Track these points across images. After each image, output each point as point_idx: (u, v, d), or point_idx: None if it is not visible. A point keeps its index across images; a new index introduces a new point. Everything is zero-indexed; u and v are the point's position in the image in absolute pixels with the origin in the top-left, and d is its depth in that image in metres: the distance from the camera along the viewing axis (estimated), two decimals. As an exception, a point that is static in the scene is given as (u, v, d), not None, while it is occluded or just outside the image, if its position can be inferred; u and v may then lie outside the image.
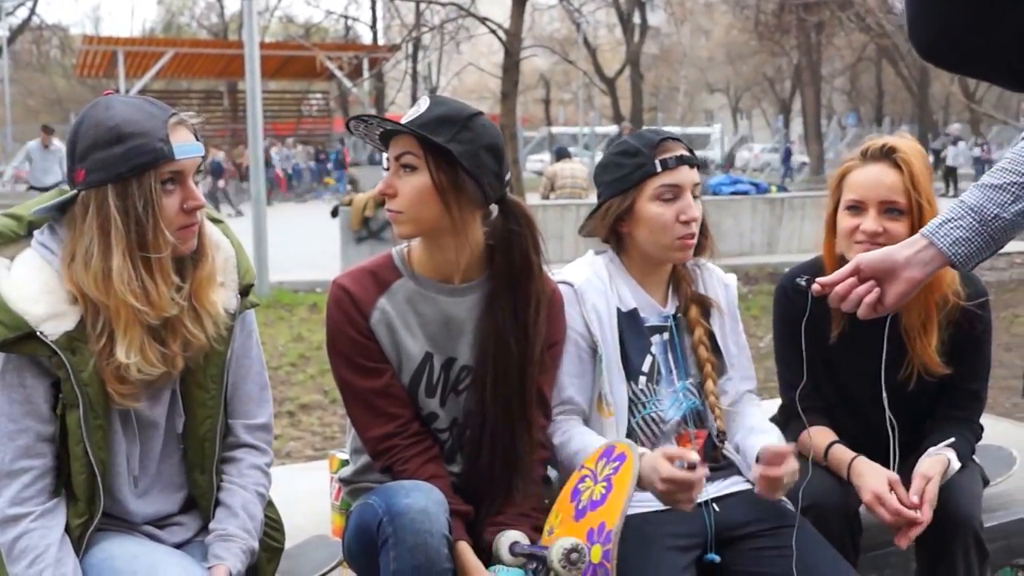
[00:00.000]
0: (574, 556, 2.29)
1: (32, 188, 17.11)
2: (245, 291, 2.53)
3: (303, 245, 16.32)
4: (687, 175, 2.79)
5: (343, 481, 2.90)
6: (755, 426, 2.88)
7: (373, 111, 41.79)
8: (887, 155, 2.85)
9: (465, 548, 2.44)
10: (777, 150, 41.01)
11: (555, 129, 47.32)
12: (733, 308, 3.02)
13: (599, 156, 43.12)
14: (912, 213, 2.84)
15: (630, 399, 2.82)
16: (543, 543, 2.46)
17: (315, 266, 14.08)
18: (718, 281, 3.01)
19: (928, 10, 1.49)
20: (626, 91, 38.83)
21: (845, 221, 2.92)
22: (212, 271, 2.42)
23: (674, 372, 2.88)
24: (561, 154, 18.02)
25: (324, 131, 42.34)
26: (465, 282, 2.63)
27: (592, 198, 16.48)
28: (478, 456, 2.64)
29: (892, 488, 2.73)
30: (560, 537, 2.37)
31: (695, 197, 2.80)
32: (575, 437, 2.75)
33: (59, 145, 16.33)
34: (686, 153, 2.83)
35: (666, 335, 2.89)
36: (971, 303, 2.94)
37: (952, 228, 2.12)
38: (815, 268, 3.05)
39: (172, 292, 2.30)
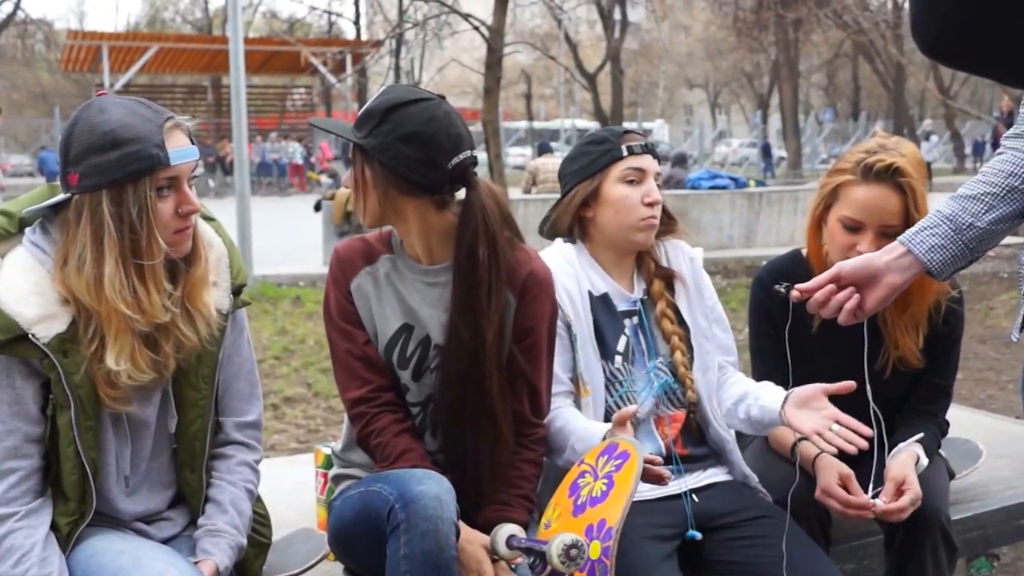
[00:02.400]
0: (574, 552, 2.28)
1: None
2: (237, 290, 2.53)
3: (286, 239, 16.30)
4: (650, 162, 2.88)
5: (335, 455, 2.93)
6: (748, 391, 2.94)
7: (356, 106, 41.70)
8: (892, 176, 2.80)
9: (462, 525, 2.45)
10: (755, 145, 41.21)
11: (536, 124, 47.51)
12: (699, 280, 3.03)
13: (581, 151, 43.34)
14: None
15: (607, 378, 2.85)
16: (540, 536, 2.49)
17: (298, 260, 14.16)
18: (683, 254, 3.04)
19: (931, 7, 1.48)
20: (607, 86, 38.80)
21: (842, 237, 2.90)
22: (205, 272, 2.42)
23: (645, 354, 2.90)
24: (543, 149, 18.14)
25: (308, 126, 42.34)
26: (437, 264, 2.67)
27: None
28: (449, 433, 2.67)
29: (844, 483, 2.75)
30: (560, 532, 2.36)
31: (657, 185, 2.88)
32: (571, 422, 2.76)
33: None
34: (648, 143, 2.93)
35: (635, 319, 2.93)
36: (951, 300, 3.02)
37: (928, 236, 2.20)
38: (794, 261, 3.14)
39: (164, 299, 2.29)
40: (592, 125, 45.22)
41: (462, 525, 2.44)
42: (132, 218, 2.20)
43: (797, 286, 2.28)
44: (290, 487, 3.52)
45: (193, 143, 2.34)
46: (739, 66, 43.21)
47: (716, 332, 3.02)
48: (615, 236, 2.89)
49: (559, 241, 3.00)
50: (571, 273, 2.87)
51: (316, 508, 3.28)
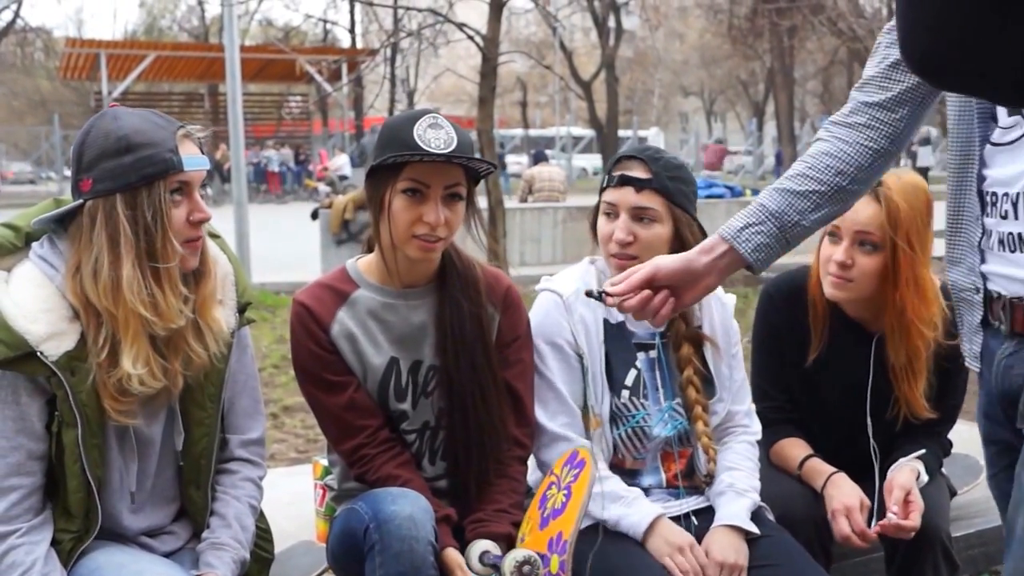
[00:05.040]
0: (526, 569, 2.31)
1: None
2: (242, 309, 2.54)
3: (284, 246, 16.22)
4: (623, 196, 2.73)
5: (329, 487, 2.95)
6: (731, 474, 2.82)
7: (352, 114, 41.78)
8: (873, 187, 2.70)
9: (451, 555, 2.45)
10: (751, 153, 41.20)
11: (532, 132, 47.52)
12: (728, 327, 2.94)
13: (576, 159, 42.54)
14: (886, 249, 2.83)
15: (615, 412, 2.79)
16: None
17: (296, 268, 14.04)
18: (715, 299, 2.93)
19: (921, 24, 1.33)
20: (602, 94, 38.81)
21: (825, 249, 2.93)
22: (214, 288, 2.44)
23: (660, 391, 2.82)
24: (539, 158, 18.22)
25: (304, 133, 42.48)
26: (412, 286, 2.67)
27: (570, 201, 16.62)
28: (455, 454, 2.68)
29: (848, 515, 2.77)
30: (515, 549, 2.42)
31: (640, 219, 2.72)
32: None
33: None
34: (634, 175, 2.73)
35: (653, 353, 2.84)
36: (952, 340, 2.75)
37: (753, 233, 2.10)
38: (801, 277, 3.08)
39: (180, 303, 2.30)
40: (587, 133, 45.31)
41: (452, 561, 2.44)
42: (147, 221, 2.22)
43: (610, 290, 2.13)
44: (289, 498, 3.52)
45: (203, 153, 2.38)
46: (734, 74, 43.25)
47: (735, 380, 2.94)
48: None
49: (584, 261, 2.94)
50: (587, 300, 2.73)
51: (315, 520, 3.29)
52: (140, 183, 2.21)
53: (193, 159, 2.30)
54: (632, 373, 2.82)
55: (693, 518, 2.76)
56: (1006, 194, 1.93)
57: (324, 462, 3.14)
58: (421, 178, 2.49)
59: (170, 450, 2.49)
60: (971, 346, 2.10)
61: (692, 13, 42.61)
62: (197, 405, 2.47)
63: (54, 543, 2.31)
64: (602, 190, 2.82)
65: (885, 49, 2.10)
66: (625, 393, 2.81)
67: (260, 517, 2.70)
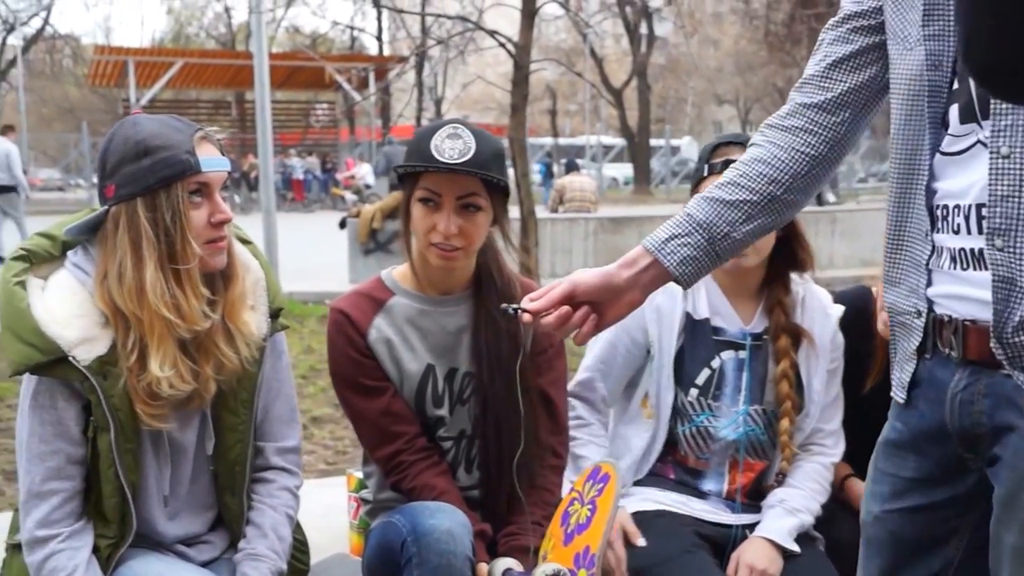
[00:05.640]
0: None
1: None
2: (275, 314, 2.56)
3: (311, 255, 16.19)
4: None
5: (364, 500, 2.96)
6: (789, 491, 2.81)
7: (379, 122, 41.76)
8: None
9: (482, 570, 2.46)
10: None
11: (562, 140, 47.29)
12: (828, 339, 2.88)
13: (606, 168, 42.58)
14: None
15: (679, 408, 2.80)
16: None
17: (324, 277, 13.99)
18: (820, 308, 2.90)
19: (983, 31, 1.30)
20: (633, 102, 38.71)
21: None
22: (243, 291, 2.46)
23: (741, 394, 2.81)
24: (570, 167, 18.00)
25: (331, 141, 42.34)
26: (449, 293, 2.72)
27: (602, 211, 16.45)
28: (487, 462, 2.70)
29: None
30: (543, 563, 2.42)
31: None
32: (582, 447, 2.86)
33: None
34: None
35: (742, 353, 2.82)
36: None
37: (679, 245, 1.95)
38: (863, 298, 2.99)
39: (202, 305, 2.32)
40: (618, 142, 45.08)
41: (482, 559, 2.47)
42: (167, 223, 2.25)
43: (527, 306, 1.98)
44: (320, 510, 3.56)
45: (223, 155, 2.40)
46: (770, 81, 42.81)
47: (826, 397, 2.89)
48: None
49: None
50: (672, 291, 2.75)
51: (349, 533, 3.34)
52: (158, 185, 2.25)
53: (211, 160, 2.32)
54: (705, 372, 2.81)
55: (747, 532, 2.76)
56: (958, 207, 1.74)
57: (358, 474, 3.17)
58: (434, 187, 2.55)
59: (205, 458, 2.51)
60: (900, 374, 1.91)
61: (727, 19, 42.49)
62: (230, 411, 2.49)
63: (93, 550, 2.33)
64: (701, 180, 2.77)
65: (828, 46, 1.97)
66: (694, 392, 2.80)
67: (296, 528, 2.72)
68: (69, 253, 2.37)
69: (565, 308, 1.97)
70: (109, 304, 2.27)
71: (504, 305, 2.10)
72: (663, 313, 2.80)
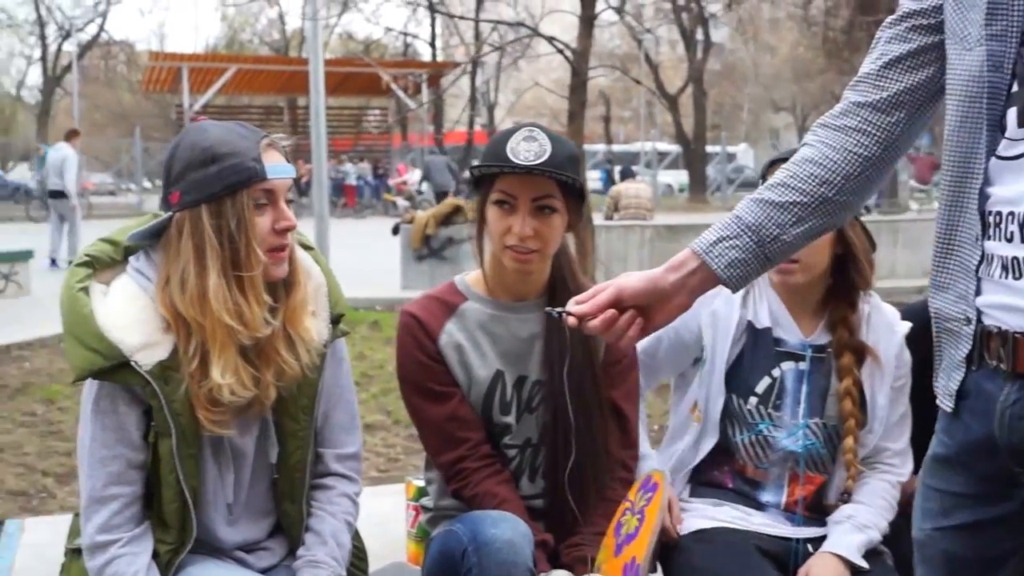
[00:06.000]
0: None
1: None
2: (336, 320, 2.54)
3: (363, 261, 16.16)
4: None
5: (424, 509, 2.95)
6: (857, 507, 2.75)
7: (431, 128, 41.83)
8: None
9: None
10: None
11: (615, 147, 47.14)
12: (893, 356, 2.82)
13: (662, 175, 42.49)
14: None
15: (737, 414, 2.78)
16: None
17: (375, 283, 13.90)
18: (886, 324, 2.84)
19: None
20: (688, 108, 38.51)
21: None
22: (305, 298, 2.44)
23: (800, 406, 2.76)
24: (626, 174, 17.82)
25: (383, 147, 42.39)
26: (522, 299, 2.71)
27: (657, 219, 16.29)
28: (555, 473, 2.68)
29: None
30: (592, 575, 2.44)
31: None
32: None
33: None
34: None
35: (803, 364, 2.78)
36: None
37: (727, 248, 1.90)
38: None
39: (264, 312, 2.31)
40: (673, 148, 44.84)
41: (542, 570, 2.45)
42: (231, 230, 2.24)
43: (573, 310, 1.95)
44: (373, 517, 3.46)
45: (289, 161, 2.39)
46: (828, 88, 42.31)
47: (892, 416, 2.84)
48: None
49: None
50: (731, 297, 2.74)
51: (406, 542, 3.31)
52: (224, 192, 2.24)
53: (277, 167, 2.31)
54: (765, 381, 2.77)
55: (809, 546, 2.71)
56: (1012, 214, 1.71)
57: (417, 482, 3.19)
58: (509, 190, 2.54)
59: (264, 463, 2.50)
60: (948, 382, 1.87)
61: (784, 26, 42.08)
62: (290, 417, 2.48)
63: (153, 555, 2.33)
64: None
65: (884, 45, 1.93)
66: (753, 400, 2.77)
67: (355, 535, 2.70)
68: (131, 258, 2.36)
69: (611, 312, 1.94)
70: (171, 310, 2.27)
71: (549, 308, 2.11)
72: (719, 318, 2.78)
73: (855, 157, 1.90)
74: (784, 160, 2.52)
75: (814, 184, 1.90)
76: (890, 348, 2.81)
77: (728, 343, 2.76)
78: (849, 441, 2.74)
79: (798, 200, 1.90)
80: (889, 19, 1.93)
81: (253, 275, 2.28)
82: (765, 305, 2.80)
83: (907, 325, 2.86)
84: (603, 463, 2.67)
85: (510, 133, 2.55)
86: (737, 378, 2.77)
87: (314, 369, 2.46)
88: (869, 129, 1.90)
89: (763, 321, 2.79)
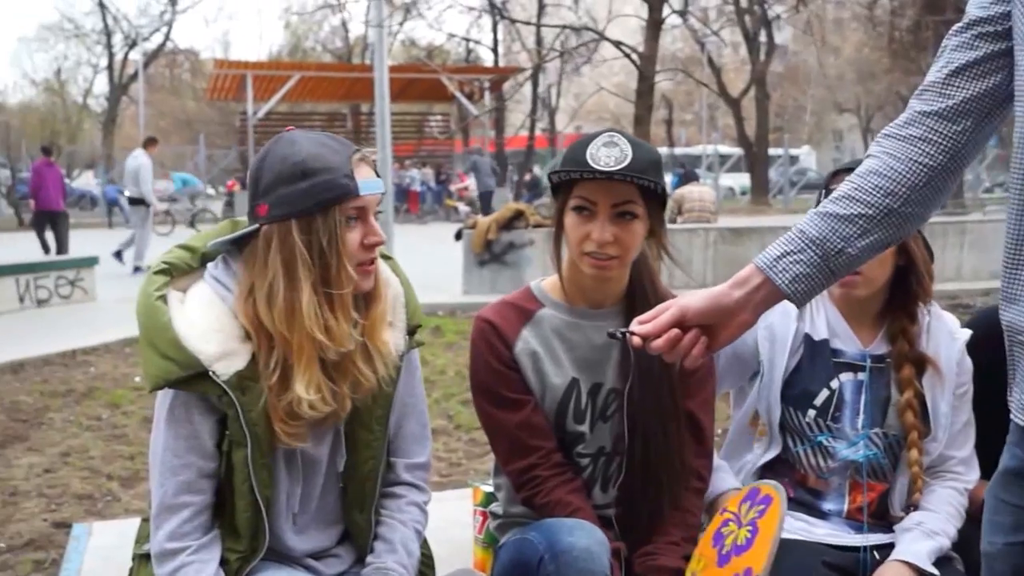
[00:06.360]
0: None
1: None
2: (412, 331, 2.53)
3: (425, 267, 16.09)
4: None
5: (493, 515, 2.94)
6: (925, 514, 2.72)
7: (493, 133, 41.85)
8: None
9: None
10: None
11: (677, 150, 46.91)
12: (954, 364, 2.79)
13: (723, 178, 42.24)
14: None
15: (796, 428, 2.77)
16: None
17: (437, 289, 13.90)
18: (946, 332, 2.81)
19: None
20: (751, 111, 38.24)
21: None
22: (385, 311, 2.43)
23: (860, 417, 2.74)
24: (689, 177, 17.73)
25: (445, 152, 42.52)
26: (601, 306, 2.67)
27: (721, 222, 16.19)
28: (630, 482, 2.65)
29: None
30: None
31: None
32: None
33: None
34: None
35: (861, 375, 2.76)
36: None
37: (792, 262, 1.89)
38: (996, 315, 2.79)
39: (350, 328, 2.30)
40: (735, 151, 44.56)
41: None
42: (322, 246, 2.22)
43: (636, 330, 1.95)
44: (436, 522, 3.39)
45: (378, 175, 2.36)
46: (894, 89, 41.81)
47: (956, 423, 2.80)
48: None
49: None
50: (785, 310, 2.71)
51: (473, 547, 3.32)
52: (315, 209, 2.21)
53: (368, 183, 2.28)
54: (824, 393, 2.75)
55: (875, 554, 2.68)
56: None
57: (485, 488, 3.20)
58: (588, 195, 2.50)
59: (335, 473, 2.49)
60: (1021, 396, 1.85)
61: (848, 26, 41.65)
62: (364, 428, 2.46)
63: (222, 562, 2.32)
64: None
65: (950, 53, 1.89)
66: (811, 412, 2.75)
67: (423, 543, 2.67)
68: (209, 265, 2.36)
69: (675, 331, 1.94)
70: (253, 321, 2.25)
71: (611, 330, 2.09)
72: (776, 332, 2.77)
73: (920, 167, 1.86)
74: (848, 170, 2.52)
75: (879, 196, 1.86)
76: (951, 356, 2.78)
77: (785, 356, 2.76)
78: (914, 453, 2.72)
79: (863, 212, 1.86)
80: (955, 27, 1.91)
81: (344, 293, 2.26)
82: (823, 316, 2.79)
83: (967, 332, 2.84)
84: (678, 473, 2.63)
85: (590, 139, 2.51)
86: (795, 390, 2.76)
87: (390, 382, 2.44)
88: (935, 138, 1.86)
89: (821, 333, 2.77)
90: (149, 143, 18.47)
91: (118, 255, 17.61)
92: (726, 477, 2.82)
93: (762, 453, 2.81)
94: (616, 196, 2.47)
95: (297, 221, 2.21)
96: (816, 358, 2.76)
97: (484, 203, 28.52)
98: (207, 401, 2.26)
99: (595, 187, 2.48)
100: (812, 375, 2.75)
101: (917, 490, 2.72)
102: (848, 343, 2.77)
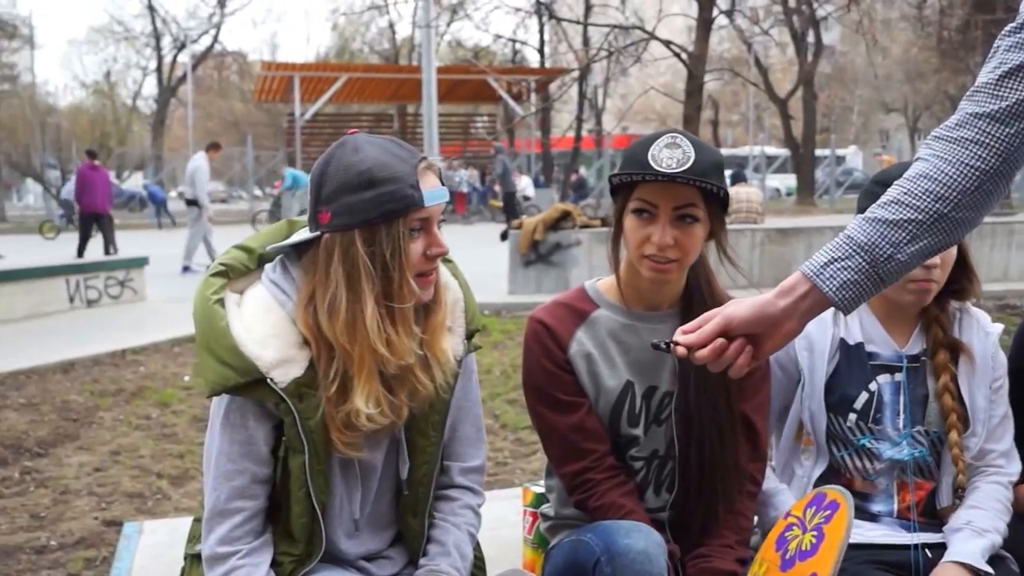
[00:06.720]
0: None
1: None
2: (470, 335, 2.49)
3: (471, 267, 16.03)
4: None
5: (544, 516, 2.92)
6: (973, 512, 2.68)
7: (539, 134, 41.82)
8: None
9: None
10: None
11: (724, 151, 46.71)
12: (989, 358, 2.77)
13: (770, 179, 42.03)
14: None
15: (838, 434, 2.76)
16: None
17: (483, 288, 13.83)
18: (979, 328, 2.79)
19: None
20: (798, 111, 37.99)
21: None
22: (444, 319, 2.39)
23: (901, 416, 2.72)
24: (737, 178, 17.62)
25: (490, 153, 42.57)
26: (656, 309, 2.63)
27: (768, 223, 16.10)
28: (684, 486, 2.63)
29: None
30: None
31: None
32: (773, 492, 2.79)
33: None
34: None
35: (898, 376, 2.74)
36: None
37: (839, 269, 1.85)
38: None
39: (412, 343, 2.27)
40: (782, 152, 44.30)
41: None
42: (385, 258, 2.18)
43: (681, 340, 1.95)
44: (485, 522, 3.40)
45: (443, 184, 2.30)
46: (942, 89, 41.52)
47: (994, 418, 2.78)
48: (887, 291, 2.62)
49: None
50: (821, 318, 2.60)
51: (523, 548, 3.29)
52: (379, 220, 2.17)
53: (434, 192, 2.23)
54: (864, 396, 2.74)
55: (927, 551, 2.65)
56: None
57: (535, 489, 3.19)
58: (649, 198, 2.45)
59: (390, 477, 2.47)
60: None
61: (897, 26, 41.31)
62: (421, 434, 2.44)
63: (275, 564, 2.32)
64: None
65: (1003, 54, 1.85)
66: (852, 416, 2.74)
67: (475, 546, 2.65)
68: (267, 267, 2.33)
69: (720, 341, 1.92)
70: (313, 331, 2.22)
71: (656, 341, 2.06)
72: (814, 340, 2.76)
73: (972, 170, 1.82)
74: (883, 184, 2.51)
75: (929, 200, 1.82)
76: (986, 350, 2.77)
77: (824, 363, 2.74)
78: (954, 435, 2.69)
79: (912, 217, 1.83)
80: (1008, 28, 1.87)
81: (405, 307, 2.23)
82: (856, 320, 2.77)
83: (999, 327, 2.84)
84: (732, 477, 2.61)
85: (652, 139, 2.46)
86: (834, 396, 2.74)
87: (448, 389, 2.42)
88: (987, 141, 1.82)
89: (855, 336, 2.76)
90: (212, 148, 18.87)
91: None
92: (788, 500, 2.79)
93: (812, 466, 2.80)
94: (678, 199, 2.43)
95: (360, 231, 2.17)
96: (852, 362, 2.75)
97: (508, 204, 28.43)
98: (263, 407, 2.24)
99: (656, 189, 2.43)
100: (849, 379, 2.74)
101: (960, 472, 2.69)
102: (883, 346, 2.76)
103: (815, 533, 2.34)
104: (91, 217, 19.03)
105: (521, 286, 13.51)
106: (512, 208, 27.29)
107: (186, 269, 17.51)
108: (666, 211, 2.43)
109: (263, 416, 2.25)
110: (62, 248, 20.39)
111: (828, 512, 2.35)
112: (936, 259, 2.57)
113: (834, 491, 2.38)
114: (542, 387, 2.63)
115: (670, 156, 2.39)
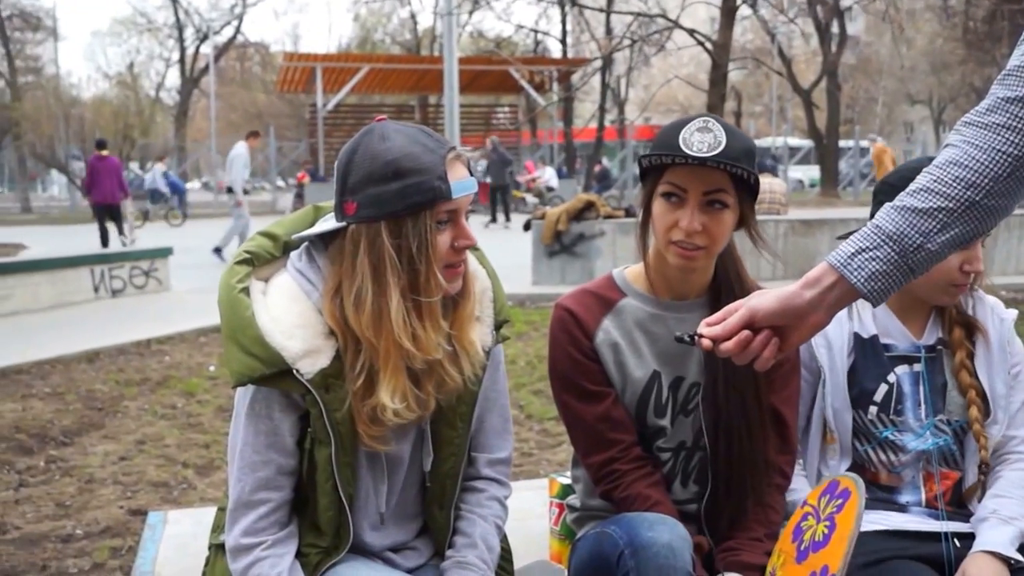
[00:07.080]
0: None
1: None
2: (499, 326, 2.46)
3: (493, 258, 16.01)
4: None
5: (570, 508, 2.91)
6: (998, 500, 2.65)
7: (561, 125, 41.77)
8: None
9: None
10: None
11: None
12: (1005, 344, 2.76)
13: (792, 170, 41.85)
14: None
15: (860, 428, 2.74)
16: None
17: (506, 279, 13.67)
18: (992, 313, 2.80)
19: None
20: (821, 103, 37.83)
21: None
22: (473, 310, 2.36)
23: (922, 407, 2.70)
24: (763, 168, 17.57)
25: (512, 144, 42.58)
26: (684, 298, 2.60)
27: (792, 214, 16.03)
28: (712, 478, 2.61)
29: None
30: None
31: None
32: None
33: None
34: None
35: (916, 366, 2.72)
36: None
37: (867, 260, 1.80)
38: None
39: (439, 337, 2.23)
40: (804, 143, 44.13)
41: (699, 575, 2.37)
42: (412, 251, 2.14)
43: (706, 333, 1.92)
44: (510, 513, 3.51)
45: (472, 174, 2.26)
46: (967, 80, 41.29)
47: (1012, 403, 2.75)
48: (915, 290, 2.70)
49: None
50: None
51: (549, 539, 3.27)
52: (406, 212, 2.13)
53: (462, 183, 2.18)
54: (883, 388, 2.71)
55: (955, 540, 2.61)
56: None
57: (561, 480, 3.18)
58: (678, 182, 2.41)
59: (417, 470, 2.45)
60: None
61: (922, 17, 41.11)
62: (448, 425, 2.41)
63: (300, 555, 2.30)
64: None
65: None
66: (873, 409, 2.71)
67: (502, 538, 2.63)
68: (292, 255, 2.30)
69: (745, 333, 1.89)
70: (339, 323, 2.19)
71: (679, 333, 2.02)
72: (831, 336, 2.73)
73: (1004, 156, 1.76)
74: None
75: (960, 188, 1.77)
76: (1001, 336, 2.76)
77: (843, 358, 2.73)
78: (974, 411, 2.67)
79: (943, 206, 1.77)
80: None
81: (432, 301, 2.20)
82: (868, 312, 2.75)
83: (1013, 312, 2.83)
84: (761, 469, 2.58)
85: (683, 123, 2.42)
86: (854, 390, 2.72)
87: (476, 381, 2.39)
88: (1019, 125, 1.75)
89: (869, 330, 2.74)
90: (252, 136, 19.34)
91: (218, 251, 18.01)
92: (801, 483, 2.79)
93: (837, 464, 2.77)
94: (707, 183, 2.38)
95: (386, 223, 2.13)
96: (868, 355, 2.73)
97: (492, 199, 28.60)
98: (289, 398, 2.22)
99: (686, 173, 2.39)
100: (867, 373, 2.72)
101: (982, 447, 2.67)
102: (900, 338, 2.75)
103: (827, 523, 2.33)
104: (103, 208, 19.14)
105: (545, 276, 13.51)
106: (504, 203, 27.52)
107: (217, 251, 17.70)
108: (695, 196, 2.39)
109: (289, 407, 2.23)
110: (85, 238, 20.46)
111: (840, 500, 2.33)
112: (979, 267, 2.58)
113: (847, 478, 2.36)
114: (568, 376, 2.60)
115: (701, 140, 2.36)
